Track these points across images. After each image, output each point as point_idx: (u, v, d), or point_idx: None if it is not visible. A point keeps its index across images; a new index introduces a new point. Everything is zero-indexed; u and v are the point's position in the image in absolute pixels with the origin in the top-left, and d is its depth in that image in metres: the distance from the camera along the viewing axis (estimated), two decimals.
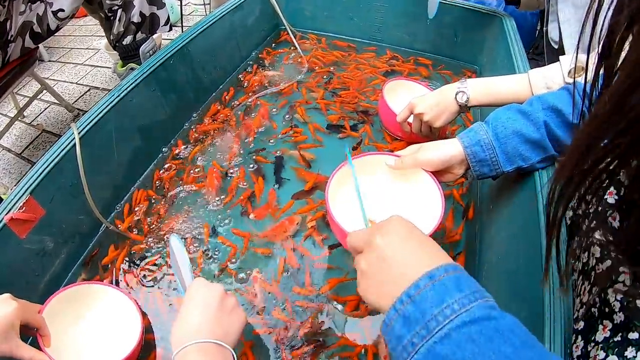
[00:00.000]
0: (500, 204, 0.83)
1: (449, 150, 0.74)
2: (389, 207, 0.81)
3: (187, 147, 1.20)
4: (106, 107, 1.03)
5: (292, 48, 1.49)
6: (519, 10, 1.16)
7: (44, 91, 1.91)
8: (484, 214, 0.91)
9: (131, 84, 1.09)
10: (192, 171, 1.13)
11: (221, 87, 1.38)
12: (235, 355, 0.60)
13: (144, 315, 0.82)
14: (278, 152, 1.14)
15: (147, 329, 0.83)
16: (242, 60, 1.46)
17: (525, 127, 0.69)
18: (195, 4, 2.59)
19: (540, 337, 0.53)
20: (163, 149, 1.20)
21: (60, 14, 1.44)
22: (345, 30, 1.49)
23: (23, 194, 0.86)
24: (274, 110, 1.28)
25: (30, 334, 0.71)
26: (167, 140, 1.22)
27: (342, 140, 1.16)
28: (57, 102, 1.91)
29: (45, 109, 2.01)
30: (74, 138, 0.96)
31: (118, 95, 1.06)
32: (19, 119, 2.09)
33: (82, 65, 2.29)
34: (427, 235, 0.48)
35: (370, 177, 0.82)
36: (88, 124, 0.99)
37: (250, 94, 1.33)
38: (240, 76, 1.42)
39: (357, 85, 1.31)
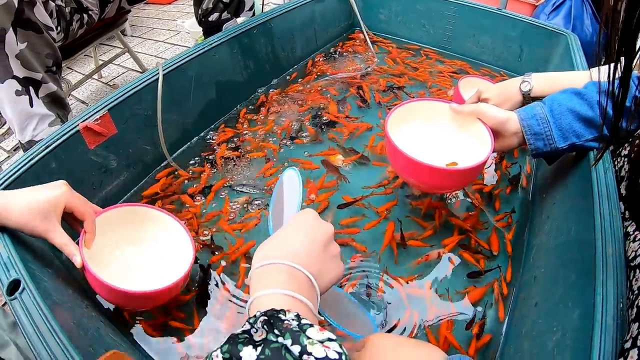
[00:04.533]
0: (553, 188, 0.81)
1: (507, 114, 0.76)
2: (442, 146, 0.86)
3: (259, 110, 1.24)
4: (191, 55, 1.08)
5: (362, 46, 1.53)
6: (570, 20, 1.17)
7: (124, 57, 2.02)
8: (537, 201, 0.89)
9: (217, 41, 1.14)
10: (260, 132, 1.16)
11: (296, 67, 1.43)
12: (319, 297, 0.49)
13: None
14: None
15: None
16: (316, 49, 1.50)
17: (580, 105, 0.71)
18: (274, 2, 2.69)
19: (591, 295, 0.51)
20: (235, 108, 1.25)
21: None
22: (416, 37, 1.51)
23: (102, 109, 0.90)
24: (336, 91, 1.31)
25: (77, 228, 0.68)
26: (239, 101, 1.26)
27: None
28: (136, 69, 2.00)
29: (123, 73, 2.10)
30: (158, 74, 1.01)
31: (203, 48, 1.11)
32: (97, 78, 2.19)
33: (163, 43, 2.40)
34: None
35: (427, 121, 0.87)
36: (172, 66, 1.04)
37: (317, 78, 1.37)
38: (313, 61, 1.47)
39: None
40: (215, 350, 0.36)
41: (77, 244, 0.65)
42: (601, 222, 0.57)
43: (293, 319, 0.39)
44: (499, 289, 0.77)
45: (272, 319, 0.38)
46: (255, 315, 0.39)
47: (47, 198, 0.62)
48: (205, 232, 0.89)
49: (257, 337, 0.37)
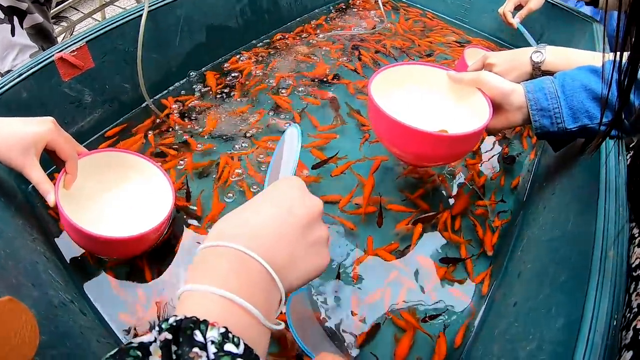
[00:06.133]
0: (555, 178, 0.72)
1: (512, 86, 0.65)
2: (434, 117, 0.76)
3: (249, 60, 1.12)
4: None
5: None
6: (597, 9, 1.04)
7: (131, 1, 1.90)
8: (535, 190, 0.80)
9: None
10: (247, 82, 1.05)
11: (298, 19, 1.30)
12: (284, 299, 0.35)
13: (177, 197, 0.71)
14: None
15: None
16: (324, 4, 1.37)
17: (596, 83, 0.60)
18: None
19: (580, 303, 0.42)
20: (226, 55, 1.13)
21: None
22: (432, 5, 1.37)
23: (79, 40, 0.83)
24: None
25: (60, 166, 0.64)
26: (232, 48, 1.14)
27: None
28: None
29: None
30: (143, 9, 0.91)
31: None
32: (101, 20, 2.08)
33: None
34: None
35: (420, 88, 0.77)
36: (160, 2, 0.94)
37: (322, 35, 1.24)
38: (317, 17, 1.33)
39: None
40: None
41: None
42: (604, 219, 0.48)
43: (212, 342, 0.26)
44: (475, 279, 0.69)
45: (182, 336, 0.26)
46: (168, 320, 0.27)
47: (29, 133, 0.59)
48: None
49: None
